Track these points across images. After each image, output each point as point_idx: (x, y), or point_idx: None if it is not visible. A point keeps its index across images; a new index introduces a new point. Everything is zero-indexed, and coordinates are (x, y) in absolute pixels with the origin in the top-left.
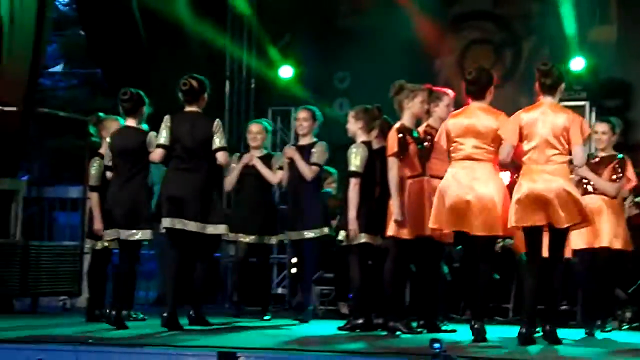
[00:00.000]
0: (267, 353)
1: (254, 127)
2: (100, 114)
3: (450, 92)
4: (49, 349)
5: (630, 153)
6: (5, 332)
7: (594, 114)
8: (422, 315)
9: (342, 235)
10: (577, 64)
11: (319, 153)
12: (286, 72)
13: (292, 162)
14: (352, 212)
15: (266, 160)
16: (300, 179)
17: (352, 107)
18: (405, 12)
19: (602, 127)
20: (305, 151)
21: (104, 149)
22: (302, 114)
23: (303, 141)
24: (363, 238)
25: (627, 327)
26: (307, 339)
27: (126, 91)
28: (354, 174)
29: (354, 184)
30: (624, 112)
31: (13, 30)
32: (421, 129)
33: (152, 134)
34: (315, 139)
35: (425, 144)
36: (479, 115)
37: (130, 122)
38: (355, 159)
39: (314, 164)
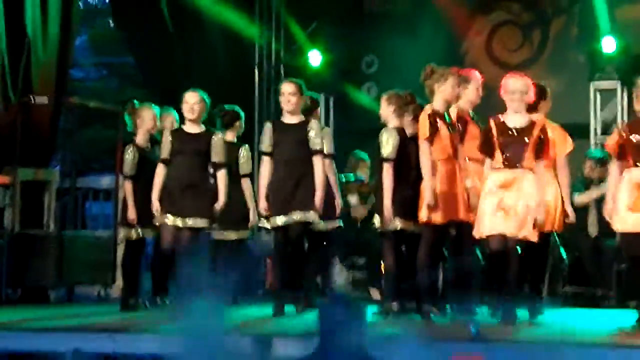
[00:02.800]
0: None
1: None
2: (136, 102)
3: (478, 74)
4: (85, 337)
5: None
6: (42, 321)
7: (625, 95)
8: (456, 299)
9: (376, 220)
10: (608, 44)
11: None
12: (315, 57)
13: None
14: (386, 198)
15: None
16: None
17: (380, 91)
18: None
19: None
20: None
21: (139, 138)
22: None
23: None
24: (397, 224)
25: None
26: None
27: (222, 108)
28: (387, 160)
29: (387, 170)
30: None
31: (44, 22)
32: (452, 112)
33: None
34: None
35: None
36: None
37: (228, 137)
38: (387, 145)
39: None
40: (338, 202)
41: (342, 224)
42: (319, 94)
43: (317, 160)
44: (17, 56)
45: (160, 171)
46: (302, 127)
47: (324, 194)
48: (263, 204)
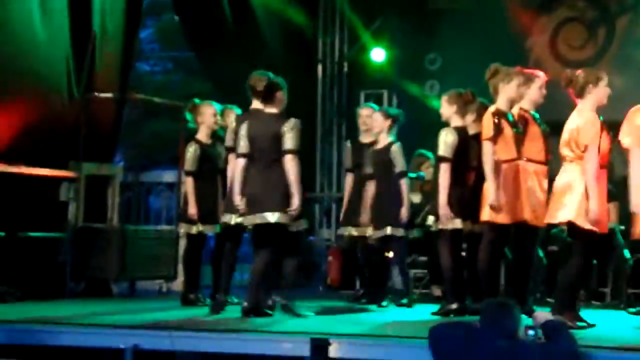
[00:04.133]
0: (359, 339)
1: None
2: (196, 100)
3: (541, 73)
4: (144, 334)
5: None
6: (103, 316)
7: None
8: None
9: (431, 220)
10: None
11: None
12: (378, 54)
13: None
14: (442, 197)
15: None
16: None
17: (442, 89)
18: None
19: None
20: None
21: (201, 135)
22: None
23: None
24: (455, 223)
25: None
26: (399, 324)
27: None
28: (443, 159)
29: (444, 169)
30: None
31: (105, 16)
32: (514, 111)
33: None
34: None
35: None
36: None
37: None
38: (444, 144)
39: None
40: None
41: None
42: (382, 91)
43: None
44: (82, 51)
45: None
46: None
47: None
48: None
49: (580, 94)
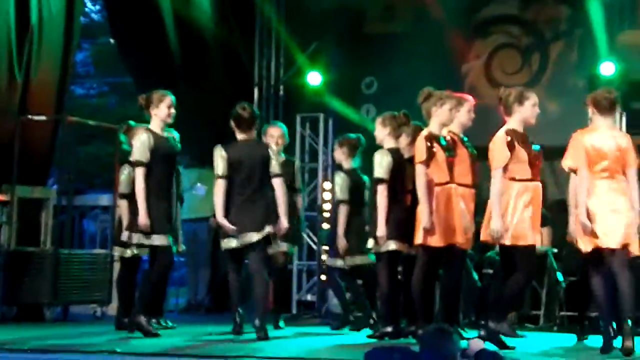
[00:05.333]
0: None
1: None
2: (131, 122)
3: (470, 97)
4: (77, 358)
5: None
6: (36, 341)
7: (624, 119)
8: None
9: (370, 242)
10: (608, 68)
11: None
12: (314, 78)
13: None
14: (381, 219)
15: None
16: None
17: (378, 113)
18: (432, 18)
19: None
20: None
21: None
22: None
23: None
24: (391, 245)
25: None
26: (334, 348)
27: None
28: (380, 181)
29: (381, 191)
30: None
31: (42, 37)
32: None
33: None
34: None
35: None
36: None
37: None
38: (379, 166)
39: None
40: None
41: None
42: (317, 114)
43: None
44: (14, 73)
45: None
46: None
47: None
48: None
49: (508, 112)
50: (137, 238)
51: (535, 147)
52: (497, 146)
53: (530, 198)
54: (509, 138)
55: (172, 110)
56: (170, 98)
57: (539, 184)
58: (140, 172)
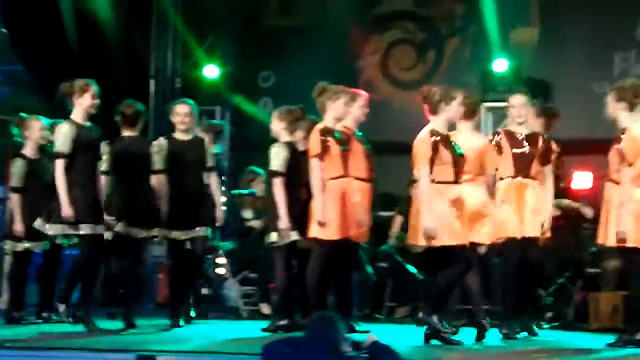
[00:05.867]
0: (187, 356)
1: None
2: (23, 114)
3: (364, 93)
4: None
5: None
6: None
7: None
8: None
9: (273, 236)
10: (501, 65)
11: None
12: (211, 71)
13: None
14: (282, 211)
15: None
16: None
17: (275, 106)
18: (331, 13)
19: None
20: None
21: (28, 149)
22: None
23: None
24: (293, 236)
25: (548, 326)
26: (227, 341)
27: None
28: (276, 174)
29: (276, 184)
30: None
31: None
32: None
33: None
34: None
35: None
36: None
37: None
38: (276, 159)
39: None
40: None
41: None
42: (214, 107)
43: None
44: None
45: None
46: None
47: None
48: None
49: (433, 110)
50: (61, 229)
51: (459, 150)
52: (421, 147)
53: (454, 200)
54: (433, 139)
55: (96, 101)
56: (94, 87)
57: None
58: (60, 164)
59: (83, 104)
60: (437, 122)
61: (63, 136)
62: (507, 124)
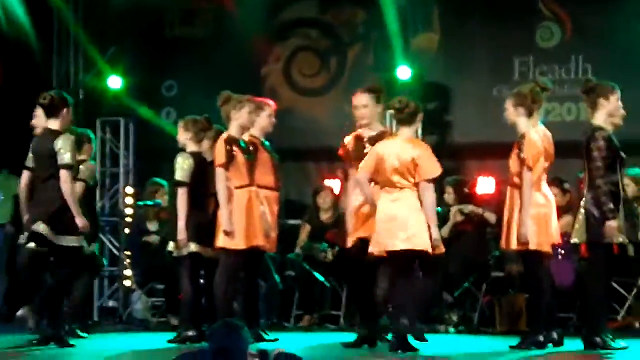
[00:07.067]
0: None
1: None
2: None
3: (271, 102)
4: None
5: (450, 155)
6: None
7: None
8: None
9: (171, 246)
10: (404, 72)
11: None
12: (115, 82)
13: None
14: (181, 222)
15: None
16: None
17: (179, 116)
18: (233, 21)
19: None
20: None
21: None
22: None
23: None
24: (192, 248)
25: (454, 331)
26: (134, 353)
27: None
28: (180, 184)
29: (181, 195)
30: (442, 115)
31: None
32: (245, 139)
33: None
34: None
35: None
36: None
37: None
38: (181, 169)
39: None
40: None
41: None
42: (119, 118)
43: None
44: None
45: None
46: None
47: None
48: None
49: (409, 122)
50: None
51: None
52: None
53: None
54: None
55: None
56: None
57: None
58: None
59: None
60: (408, 133)
61: None
62: None
